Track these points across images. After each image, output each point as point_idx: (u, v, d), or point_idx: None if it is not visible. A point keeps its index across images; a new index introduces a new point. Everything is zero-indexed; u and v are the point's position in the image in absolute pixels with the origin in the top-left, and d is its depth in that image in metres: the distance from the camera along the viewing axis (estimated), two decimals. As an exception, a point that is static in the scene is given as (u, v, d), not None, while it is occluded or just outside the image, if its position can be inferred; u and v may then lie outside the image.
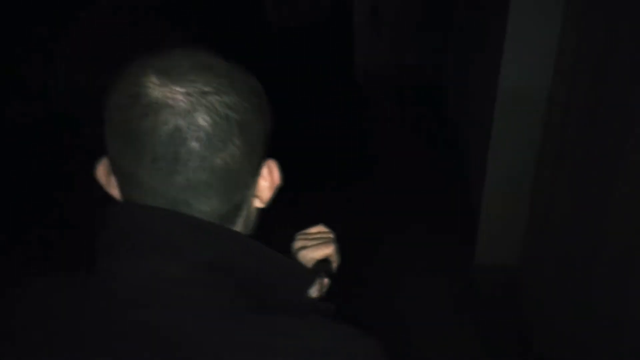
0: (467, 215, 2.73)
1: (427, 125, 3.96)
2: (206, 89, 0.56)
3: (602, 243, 1.59)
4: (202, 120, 0.55)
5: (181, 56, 0.58)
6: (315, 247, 0.90)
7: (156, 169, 0.56)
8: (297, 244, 0.92)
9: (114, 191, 0.63)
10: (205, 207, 0.58)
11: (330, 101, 4.34)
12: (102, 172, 0.63)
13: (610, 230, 1.55)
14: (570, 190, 1.85)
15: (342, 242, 0.96)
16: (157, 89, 0.55)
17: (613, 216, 1.53)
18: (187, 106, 0.55)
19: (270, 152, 0.64)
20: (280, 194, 0.67)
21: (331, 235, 0.93)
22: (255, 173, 0.62)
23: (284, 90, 4.26)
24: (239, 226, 0.64)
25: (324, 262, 0.89)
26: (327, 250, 0.90)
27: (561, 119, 1.94)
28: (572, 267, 1.82)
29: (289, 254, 0.92)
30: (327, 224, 0.97)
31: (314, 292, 0.90)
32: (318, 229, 0.94)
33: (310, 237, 0.93)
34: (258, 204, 0.66)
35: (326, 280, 0.91)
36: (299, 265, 0.64)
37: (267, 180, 0.64)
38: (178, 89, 0.55)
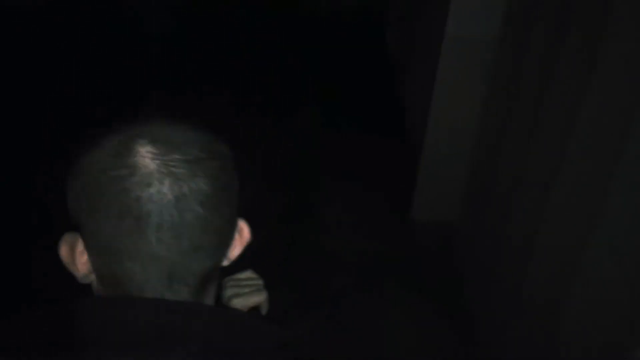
0: (406, 168, 2.70)
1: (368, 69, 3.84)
2: (202, 155, 0.59)
3: (544, 204, 1.58)
4: (203, 184, 0.58)
5: (165, 126, 0.61)
6: (248, 295, 0.94)
7: (160, 236, 0.57)
8: (229, 292, 0.95)
9: (82, 268, 0.62)
10: (200, 267, 0.61)
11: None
12: (69, 249, 0.62)
13: (556, 190, 1.53)
14: (515, 148, 1.82)
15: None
16: (158, 158, 0.57)
17: (561, 177, 1.51)
18: (188, 172, 0.57)
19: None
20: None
21: (261, 282, 0.98)
22: (235, 231, 0.66)
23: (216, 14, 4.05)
24: (214, 284, 0.66)
25: (254, 309, 0.95)
26: (259, 299, 0.95)
27: (509, 71, 1.89)
28: (510, 225, 1.81)
29: (220, 302, 0.96)
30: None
31: None
32: (247, 275, 0.99)
33: (241, 283, 0.97)
34: (225, 262, 0.68)
35: None
36: (269, 327, 0.63)
37: (238, 239, 0.67)
38: (177, 156, 0.58)
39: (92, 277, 0.63)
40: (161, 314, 0.56)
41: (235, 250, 0.67)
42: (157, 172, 0.56)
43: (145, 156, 0.57)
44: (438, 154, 2.42)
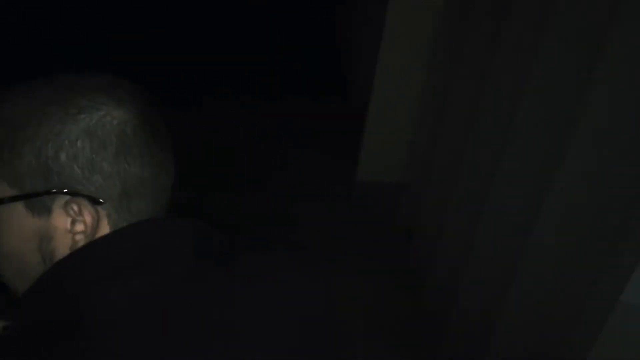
0: (350, 131, 2.65)
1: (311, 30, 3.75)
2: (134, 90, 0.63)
3: (492, 163, 1.55)
4: (156, 117, 0.63)
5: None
6: None
7: (154, 162, 0.62)
8: None
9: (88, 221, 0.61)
10: (167, 193, 0.66)
11: None
12: (90, 216, 0.60)
13: (504, 149, 1.50)
14: (461, 107, 1.79)
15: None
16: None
17: (510, 135, 1.48)
18: (140, 105, 0.62)
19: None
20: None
21: None
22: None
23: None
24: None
25: None
26: None
27: (456, 28, 1.85)
28: (457, 185, 1.79)
29: None
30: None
31: None
32: None
33: None
34: None
35: None
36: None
37: None
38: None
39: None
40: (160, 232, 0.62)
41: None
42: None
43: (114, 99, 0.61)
44: (383, 115, 2.39)
